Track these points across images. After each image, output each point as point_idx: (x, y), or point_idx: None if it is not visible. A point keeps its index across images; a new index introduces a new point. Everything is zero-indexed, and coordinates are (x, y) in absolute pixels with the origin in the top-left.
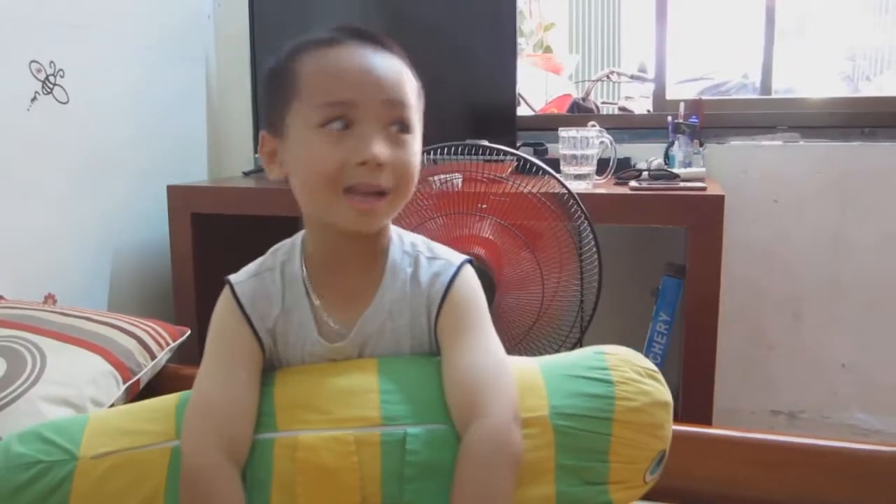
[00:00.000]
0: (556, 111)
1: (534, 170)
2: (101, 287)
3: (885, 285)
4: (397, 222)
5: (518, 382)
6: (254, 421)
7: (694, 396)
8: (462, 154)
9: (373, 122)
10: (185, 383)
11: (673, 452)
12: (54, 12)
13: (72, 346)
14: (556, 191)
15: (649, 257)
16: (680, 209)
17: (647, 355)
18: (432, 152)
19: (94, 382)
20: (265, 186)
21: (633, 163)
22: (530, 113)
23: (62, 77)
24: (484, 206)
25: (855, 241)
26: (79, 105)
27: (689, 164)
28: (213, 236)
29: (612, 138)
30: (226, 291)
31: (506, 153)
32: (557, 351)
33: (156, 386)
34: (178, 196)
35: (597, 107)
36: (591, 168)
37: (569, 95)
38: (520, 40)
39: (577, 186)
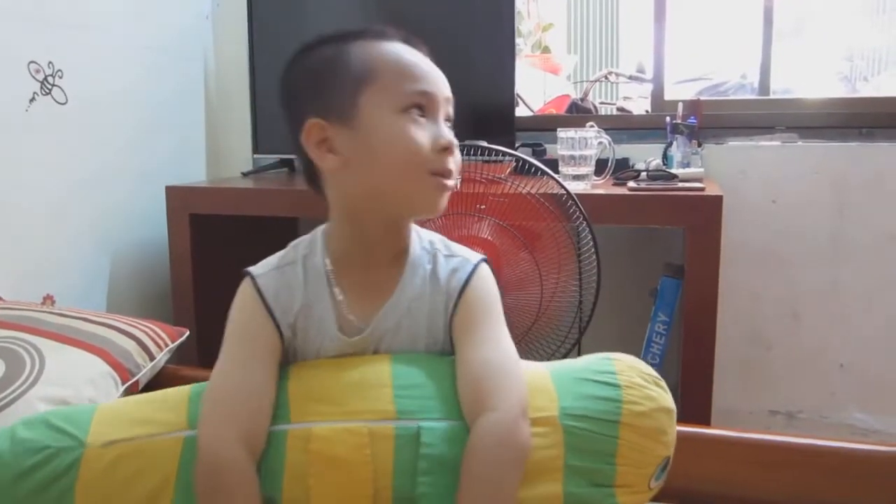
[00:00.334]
0: (554, 112)
1: (532, 170)
2: (99, 288)
3: (882, 285)
4: None
5: (528, 383)
6: (271, 414)
7: (692, 396)
8: (460, 154)
9: (440, 113)
10: (183, 384)
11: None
12: (53, 13)
13: (70, 347)
14: (555, 191)
15: (648, 258)
16: (678, 210)
17: (645, 356)
18: None
19: (92, 383)
20: (264, 187)
21: (631, 163)
22: (529, 113)
23: (61, 78)
24: (482, 206)
25: (853, 242)
26: (77, 106)
27: (687, 165)
28: (212, 237)
29: (610, 139)
30: (247, 284)
31: (504, 154)
32: (556, 351)
33: (154, 387)
34: (177, 197)
35: (595, 107)
36: (589, 168)
37: (567, 96)
38: (518, 41)
39: (575, 187)
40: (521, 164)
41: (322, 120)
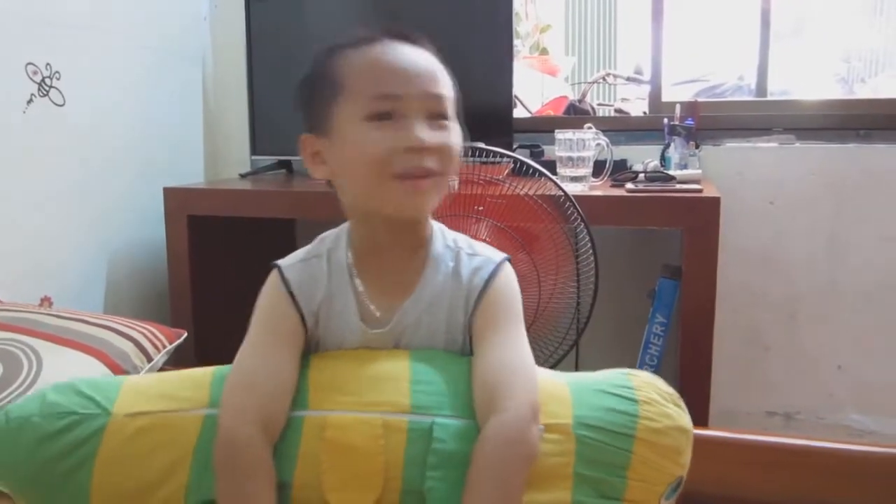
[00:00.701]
0: (552, 113)
1: (530, 172)
2: (97, 289)
3: (880, 286)
4: None
5: (544, 391)
6: (291, 399)
7: (690, 398)
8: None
9: (416, 112)
10: None
11: None
12: (50, 14)
13: (68, 349)
14: (553, 193)
15: (646, 259)
16: (676, 211)
17: (643, 357)
18: None
19: None
20: (262, 189)
21: (629, 165)
22: (526, 115)
23: (58, 79)
24: (480, 208)
25: (850, 243)
26: (75, 107)
27: (685, 166)
28: (210, 238)
29: (608, 140)
30: (274, 275)
31: (502, 155)
32: (554, 352)
33: None
34: (175, 198)
35: (593, 109)
36: (587, 170)
37: (565, 97)
38: (516, 42)
39: (573, 188)
40: (518, 165)
41: (312, 134)
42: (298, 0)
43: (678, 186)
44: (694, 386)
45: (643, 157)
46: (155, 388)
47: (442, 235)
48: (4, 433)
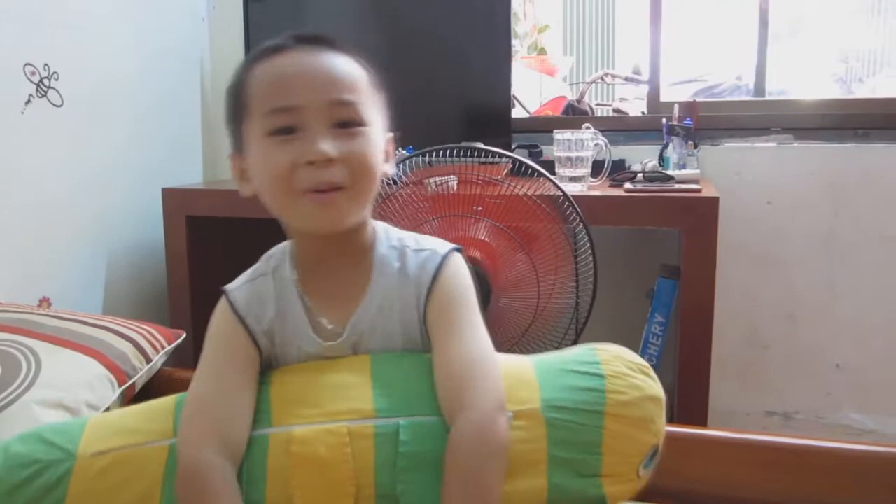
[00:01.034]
0: (550, 113)
1: (529, 172)
2: (95, 290)
3: (878, 286)
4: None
5: (510, 377)
6: (250, 420)
7: (689, 397)
8: (457, 156)
9: (319, 123)
10: (180, 386)
11: (668, 453)
12: (48, 14)
13: (67, 350)
14: (552, 193)
15: (644, 259)
16: (675, 211)
17: (642, 357)
18: (427, 154)
19: (89, 386)
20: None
21: (627, 165)
22: (525, 115)
23: (56, 80)
24: (479, 208)
25: (848, 243)
26: (73, 108)
27: (683, 166)
28: (209, 239)
29: (606, 140)
30: (222, 300)
31: (501, 155)
32: None
33: (151, 389)
34: (173, 198)
35: (591, 109)
36: (586, 170)
37: (563, 97)
38: (514, 42)
39: (572, 188)
40: (517, 165)
41: (236, 153)
42: (297, 0)
43: (677, 186)
44: (693, 385)
45: (642, 157)
46: (118, 424)
47: (386, 236)
48: None
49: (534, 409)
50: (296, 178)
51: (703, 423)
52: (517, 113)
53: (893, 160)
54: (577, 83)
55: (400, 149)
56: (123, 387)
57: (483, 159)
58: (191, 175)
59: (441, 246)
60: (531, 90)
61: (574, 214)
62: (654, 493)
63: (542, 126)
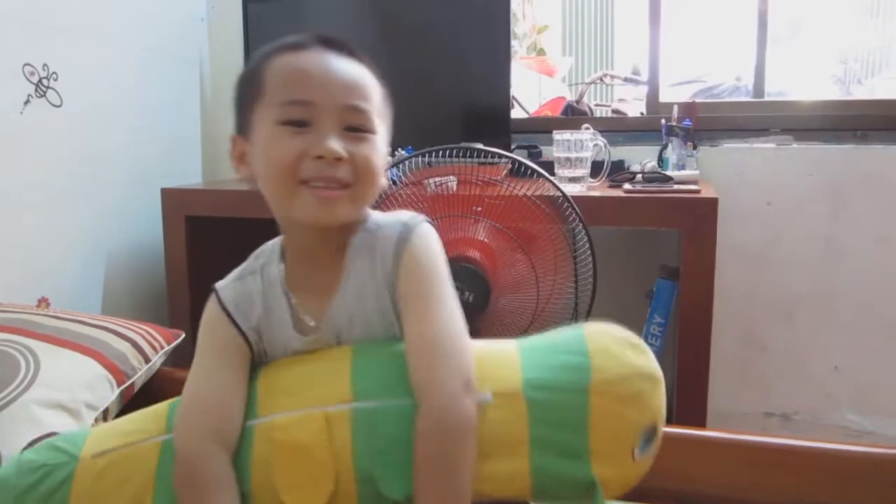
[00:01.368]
0: (549, 114)
1: (528, 172)
2: (94, 290)
3: (877, 287)
4: None
5: (491, 357)
6: (242, 412)
7: (688, 398)
8: (456, 157)
9: (331, 122)
10: (180, 386)
11: (667, 454)
12: (47, 14)
13: (66, 350)
14: (551, 193)
15: (643, 260)
16: (674, 212)
17: None
18: (427, 155)
19: (88, 386)
20: (260, 189)
21: (626, 165)
22: (524, 115)
23: (55, 80)
24: (478, 208)
25: (847, 244)
26: (72, 108)
27: (682, 167)
28: (208, 239)
29: (605, 141)
30: (211, 298)
31: (500, 156)
32: None
33: (150, 389)
34: (173, 199)
35: (590, 109)
36: (585, 171)
37: (562, 98)
38: (513, 43)
39: (571, 189)
40: (516, 166)
41: (237, 135)
42: (296, 1)
43: (676, 187)
44: (691, 386)
45: (641, 157)
46: (117, 428)
47: (365, 222)
48: None
49: (514, 390)
50: (301, 168)
51: (701, 424)
52: (516, 113)
53: (892, 161)
54: (577, 84)
55: (399, 149)
56: (122, 387)
57: (482, 160)
58: (190, 175)
59: (408, 217)
60: (530, 91)
61: (573, 215)
62: (653, 493)
63: (541, 127)
